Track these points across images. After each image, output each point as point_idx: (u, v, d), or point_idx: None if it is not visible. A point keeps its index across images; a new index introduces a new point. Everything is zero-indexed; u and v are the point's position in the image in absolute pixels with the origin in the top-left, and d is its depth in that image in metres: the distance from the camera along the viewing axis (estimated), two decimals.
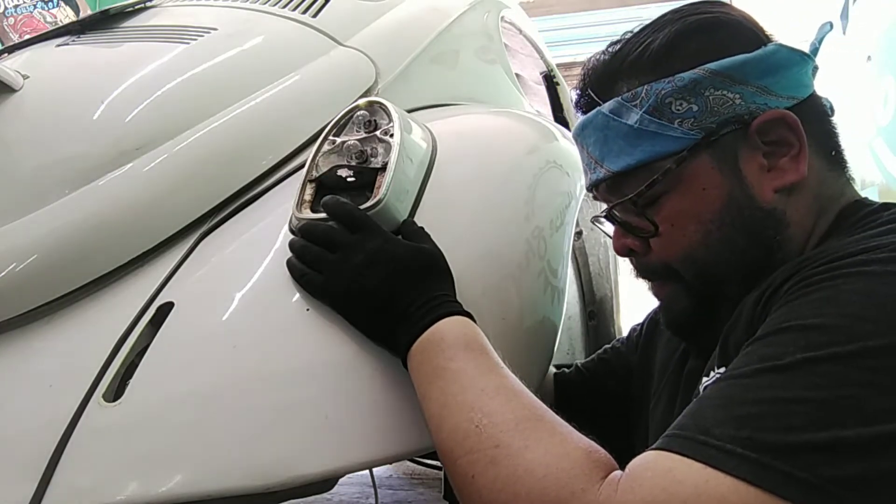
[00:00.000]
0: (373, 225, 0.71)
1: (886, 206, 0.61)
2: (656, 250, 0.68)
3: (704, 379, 0.62)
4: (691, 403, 0.50)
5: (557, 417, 0.54)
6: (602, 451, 0.50)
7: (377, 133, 0.82)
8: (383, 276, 0.67)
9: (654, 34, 0.65)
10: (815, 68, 0.67)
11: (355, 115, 0.86)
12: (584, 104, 0.70)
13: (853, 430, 0.41)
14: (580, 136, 0.71)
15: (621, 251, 0.72)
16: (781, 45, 0.63)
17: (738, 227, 0.63)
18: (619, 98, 0.65)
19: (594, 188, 0.71)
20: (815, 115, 0.65)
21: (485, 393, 0.57)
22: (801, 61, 0.64)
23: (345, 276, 0.69)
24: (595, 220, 0.78)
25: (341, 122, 0.87)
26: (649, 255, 0.69)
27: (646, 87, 0.64)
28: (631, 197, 0.65)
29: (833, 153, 0.66)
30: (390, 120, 0.83)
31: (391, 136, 0.81)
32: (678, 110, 0.62)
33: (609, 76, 0.67)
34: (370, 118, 0.85)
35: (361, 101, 0.87)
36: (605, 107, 0.66)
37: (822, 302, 0.48)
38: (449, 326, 0.64)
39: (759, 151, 0.63)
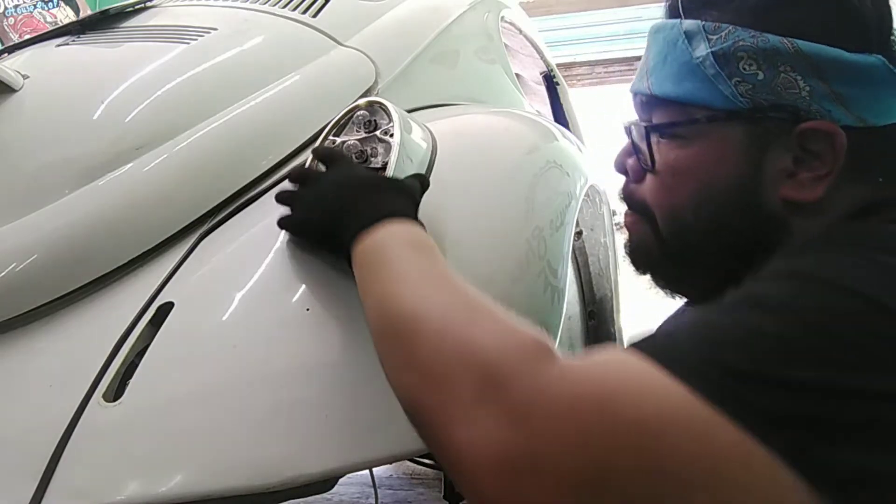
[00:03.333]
0: (344, 158, 0.76)
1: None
2: (647, 187, 0.64)
3: None
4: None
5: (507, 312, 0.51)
6: (550, 341, 0.47)
7: (377, 133, 0.82)
8: (341, 193, 0.70)
9: None
10: None
11: (355, 115, 0.87)
12: (670, 6, 0.64)
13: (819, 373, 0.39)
14: (650, 35, 0.65)
15: (618, 166, 0.69)
16: (884, 63, 0.55)
17: (730, 215, 0.59)
18: (702, 22, 0.59)
19: (635, 96, 0.67)
20: (881, 145, 0.57)
21: (429, 283, 0.56)
22: (892, 86, 0.56)
23: (307, 202, 0.74)
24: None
25: (341, 122, 0.87)
26: (638, 186, 0.66)
27: (730, 27, 0.57)
28: (646, 126, 0.62)
29: (881, 180, 0.59)
30: (390, 120, 0.83)
31: (391, 135, 0.81)
32: (745, 69, 0.56)
33: (715, 1, 0.60)
34: (370, 118, 0.85)
35: (361, 101, 0.88)
36: (686, 24, 0.60)
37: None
38: (396, 226, 0.64)
39: (791, 155, 0.57)
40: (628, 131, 0.67)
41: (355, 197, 0.69)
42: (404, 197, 0.70)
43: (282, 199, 0.78)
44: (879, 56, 0.55)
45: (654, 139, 0.62)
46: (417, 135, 0.88)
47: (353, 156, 0.81)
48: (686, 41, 0.59)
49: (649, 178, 0.64)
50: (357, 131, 0.85)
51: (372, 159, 0.81)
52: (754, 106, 0.56)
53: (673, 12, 0.63)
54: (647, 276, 0.70)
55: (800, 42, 0.55)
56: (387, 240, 0.63)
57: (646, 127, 0.62)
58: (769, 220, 0.58)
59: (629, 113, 0.68)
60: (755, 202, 0.58)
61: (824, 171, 0.56)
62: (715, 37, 0.58)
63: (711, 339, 0.42)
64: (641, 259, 0.69)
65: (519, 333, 0.47)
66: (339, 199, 0.69)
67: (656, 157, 0.62)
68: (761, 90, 0.56)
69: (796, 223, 0.57)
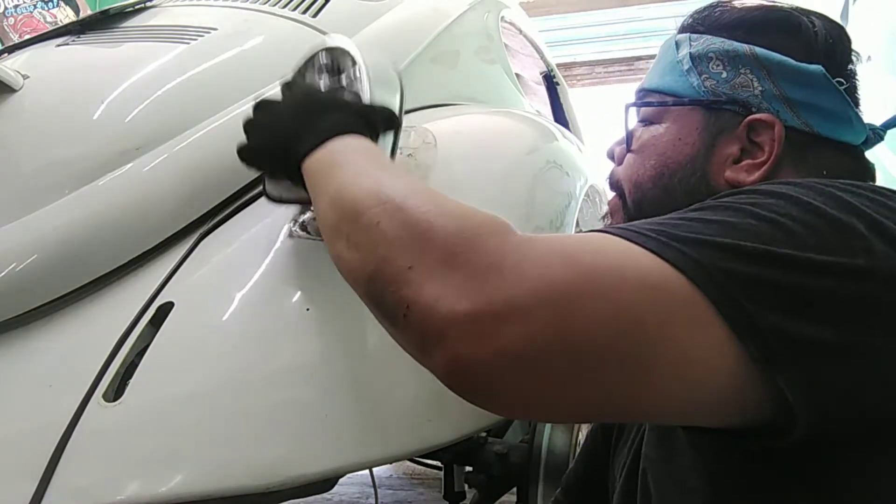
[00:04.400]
0: (301, 82, 0.76)
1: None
2: (623, 166, 0.72)
3: None
4: None
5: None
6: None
7: (342, 77, 0.78)
8: (297, 114, 0.69)
9: (747, 6, 0.70)
10: (879, 136, 0.69)
11: (316, 61, 0.81)
12: (679, 27, 0.75)
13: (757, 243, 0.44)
14: (662, 47, 0.76)
15: (608, 153, 0.77)
16: (825, 74, 0.64)
17: (682, 185, 0.67)
18: (690, 34, 0.70)
19: (636, 94, 0.76)
20: (823, 152, 0.64)
21: (387, 173, 0.58)
22: (839, 101, 0.64)
23: (262, 128, 0.72)
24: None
25: (302, 70, 0.81)
26: (618, 168, 0.74)
27: (708, 36, 0.68)
28: (627, 105, 0.72)
29: (825, 173, 0.66)
30: (355, 62, 0.77)
31: (359, 80, 0.76)
32: (713, 69, 0.67)
33: (701, 22, 0.71)
34: (332, 64, 0.80)
35: (321, 48, 0.81)
36: (679, 36, 0.71)
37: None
38: (350, 139, 0.65)
39: (739, 144, 0.65)
40: (625, 124, 0.75)
41: (311, 117, 0.68)
42: (365, 120, 0.70)
43: (243, 128, 0.76)
44: (820, 66, 0.64)
45: (634, 122, 0.72)
46: (384, 77, 0.81)
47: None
48: (675, 47, 0.70)
49: (627, 157, 0.72)
50: (320, 78, 0.80)
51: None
52: (714, 98, 0.66)
53: (680, 30, 0.74)
54: None
55: (756, 48, 0.65)
56: (339, 148, 0.64)
57: (626, 105, 0.72)
58: (712, 194, 0.64)
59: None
60: (703, 178, 0.66)
61: (763, 158, 0.64)
62: (696, 42, 0.69)
63: (663, 223, 0.47)
64: None
65: (482, 212, 0.49)
66: (295, 121, 0.69)
67: (631, 136, 0.71)
68: (722, 86, 0.66)
69: None
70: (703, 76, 0.67)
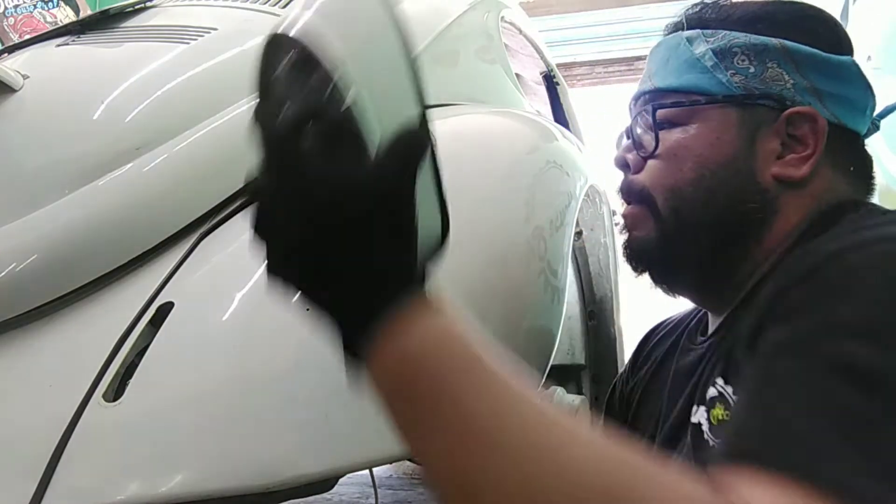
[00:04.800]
0: (293, 154, 0.40)
1: (869, 210, 0.60)
2: (647, 173, 0.69)
3: (712, 390, 0.61)
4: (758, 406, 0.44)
5: (648, 457, 0.38)
6: (702, 478, 0.38)
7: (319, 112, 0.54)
8: (310, 235, 0.40)
9: (758, 1, 0.70)
10: (875, 126, 0.70)
11: (274, 86, 0.48)
12: (671, 27, 0.73)
13: None
14: (651, 52, 0.74)
15: (619, 162, 0.74)
16: (855, 64, 0.65)
17: (727, 186, 0.65)
18: (702, 31, 0.68)
19: (636, 99, 0.74)
20: (848, 143, 0.66)
21: (542, 432, 0.37)
22: (864, 91, 0.66)
23: (275, 249, 0.44)
24: (619, 137, 0.79)
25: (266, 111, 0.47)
26: (636, 176, 0.71)
27: (727, 31, 0.67)
28: (653, 105, 0.68)
29: (852, 169, 0.67)
30: (324, 67, 0.44)
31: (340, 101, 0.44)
32: (738, 64, 0.66)
33: (707, 18, 0.70)
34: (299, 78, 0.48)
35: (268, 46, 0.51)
36: (687, 33, 0.69)
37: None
38: (428, 324, 0.39)
39: (779, 139, 0.65)
40: (629, 131, 0.72)
41: (337, 248, 0.39)
42: (405, 235, 0.41)
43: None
44: (850, 57, 0.65)
45: (655, 123, 0.68)
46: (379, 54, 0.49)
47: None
48: (687, 43, 0.68)
49: (650, 164, 0.69)
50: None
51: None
52: (747, 93, 0.65)
53: (673, 29, 0.72)
54: (646, 273, 0.73)
55: (786, 42, 0.64)
56: (428, 356, 0.39)
57: (653, 107, 0.68)
58: (760, 192, 0.65)
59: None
60: (748, 176, 0.65)
61: (808, 151, 0.64)
62: (713, 38, 0.67)
63: (838, 426, 0.39)
64: (640, 251, 0.71)
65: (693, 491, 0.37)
66: (313, 249, 0.40)
67: (658, 138, 0.68)
68: (752, 81, 0.65)
69: (784, 199, 0.64)
70: (730, 72, 0.66)
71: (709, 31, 0.67)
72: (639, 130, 0.71)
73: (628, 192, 0.72)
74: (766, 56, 0.65)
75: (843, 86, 0.65)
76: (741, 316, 0.61)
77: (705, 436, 0.61)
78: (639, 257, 0.72)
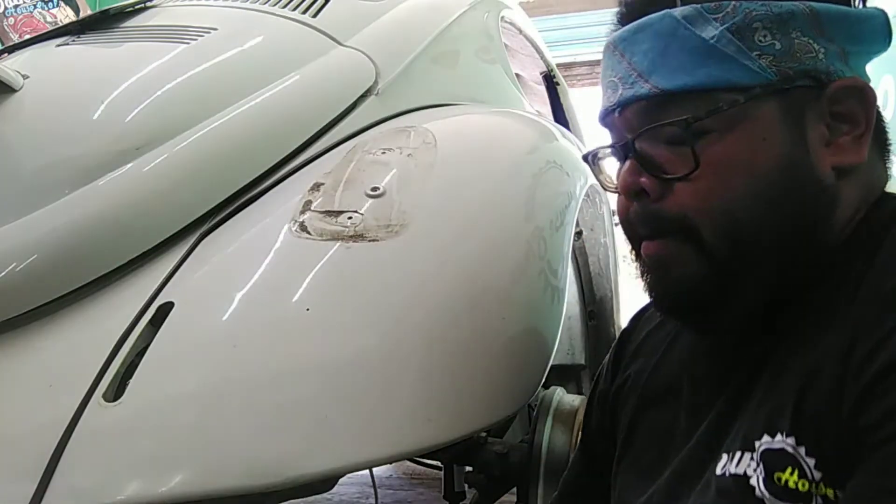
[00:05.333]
0: None
1: None
2: (680, 197, 0.55)
3: (766, 439, 0.51)
4: None
5: None
6: None
7: None
8: None
9: None
10: None
11: None
12: (636, 9, 0.58)
13: None
14: (622, 43, 0.58)
15: (629, 189, 0.58)
16: (884, 14, 0.54)
17: (791, 193, 0.53)
18: (700, 5, 0.54)
19: (621, 107, 0.58)
20: (875, 100, 0.56)
21: None
22: (885, 45, 0.56)
23: None
24: (593, 153, 0.65)
25: None
26: (664, 202, 0.56)
27: (734, 1, 0.54)
28: (687, 119, 0.53)
29: (886, 142, 0.59)
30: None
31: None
32: (761, 41, 0.53)
33: None
34: None
35: None
36: (679, 10, 0.55)
37: None
38: None
39: (824, 121, 0.54)
40: (629, 148, 0.58)
41: None
42: None
43: None
44: (880, 9, 0.55)
45: (689, 138, 0.54)
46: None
47: None
48: (688, 25, 0.54)
49: (680, 186, 0.55)
50: None
51: None
52: (781, 76, 0.53)
53: (641, 9, 0.58)
54: (687, 318, 0.61)
55: (813, 4, 0.53)
56: None
57: (681, 123, 0.54)
58: (823, 189, 0.54)
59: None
60: (811, 175, 0.54)
61: (861, 130, 0.54)
62: (720, 14, 0.54)
63: None
64: (685, 294, 0.57)
65: None
66: None
67: (698, 156, 0.54)
68: (783, 59, 0.53)
69: (841, 190, 0.55)
70: (755, 53, 0.53)
71: (711, 6, 0.54)
72: (650, 148, 0.57)
73: (655, 223, 0.57)
74: (790, 26, 0.53)
75: (870, 43, 0.55)
76: (800, 350, 0.52)
77: (757, 492, 0.50)
78: (684, 302, 0.58)
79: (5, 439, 0.70)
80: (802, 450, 0.48)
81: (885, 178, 0.59)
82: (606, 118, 0.60)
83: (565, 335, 1.51)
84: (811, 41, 0.53)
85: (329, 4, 1.20)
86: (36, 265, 0.80)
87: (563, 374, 1.54)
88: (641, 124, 0.57)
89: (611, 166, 0.64)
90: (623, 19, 0.60)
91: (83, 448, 0.66)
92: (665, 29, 0.55)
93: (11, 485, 0.65)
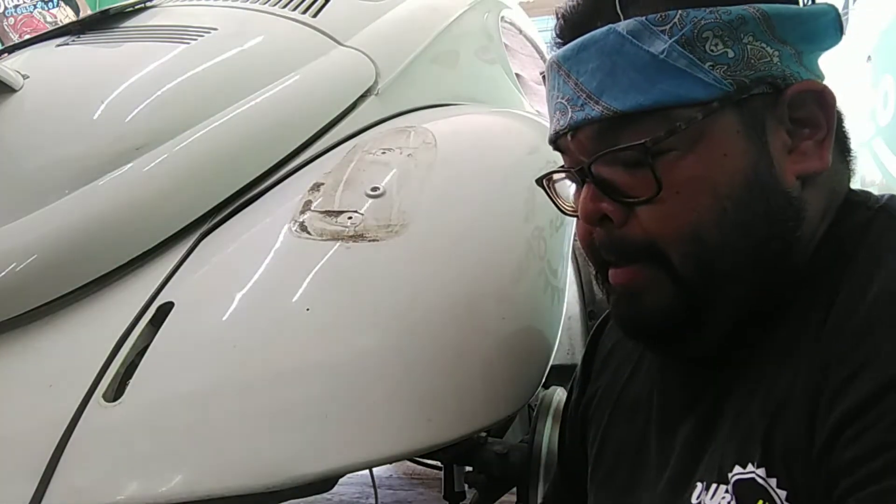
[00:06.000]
0: None
1: (883, 207, 0.53)
2: (645, 222, 0.53)
3: (738, 470, 0.49)
4: None
5: None
6: None
7: None
8: None
9: None
10: None
11: None
12: (577, 22, 0.55)
13: None
14: (567, 62, 0.55)
15: (592, 217, 0.55)
16: (834, 7, 0.52)
17: (759, 210, 0.51)
18: (644, 18, 0.51)
19: (572, 132, 0.55)
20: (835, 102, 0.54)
21: None
22: (836, 35, 0.54)
23: None
24: (547, 177, 0.63)
25: None
26: (628, 228, 0.54)
27: (681, 11, 0.51)
28: (645, 143, 0.50)
29: (847, 143, 0.57)
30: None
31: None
32: (712, 51, 0.51)
33: None
34: None
35: None
36: (623, 25, 0.52)
37: None
38: None
39: (784, 127, 0.52)
40: (586, 173, 0.55)
41: None
42: None
43: None
44: (830, 4, 0.53)
45: (650, 160, 0.51)
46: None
47: None
48: (634, 41, 0.51)
49: (644, 211, 0.53)
50: None
51: None
52: (738, 86, 0.51)
53: (581, 27, 0.55)
54: (667, 345, 0.58)
55: (761, 5, 0.51)
56: None
57: (640, 147, 0.51)
58: (791, 203, 0.52)
59: (571, 156, 0.56)
60: (777, 189, 0.52)
61: (822, 134, 0.52)
62: (667, 26, 0.51)
63: None
64: (657, 321, 0.55)
65: None
66: None
67: (659, 178, 0.51)
68: (737, 68, 0.51)
69: (806, 199, 0.53)
70: (708, 64, 0.51)
71: (656, 18, 0.51)
72: (608, 172, 0.54)
73: (620, 250, 0.55)
74: (742, 32, 0.51)
75: (821, 39, 0.53)
76: (769, 375, 0.50)
77: None
78: (656, 330, 0.56)
79: (5, 439, 0.69)
80: (774, 481, 0.47)
81: (848, 178, 0.57)
82: (558, 141, 0.58)
83: (565, 335, 1.51)
84: (765, 45, 0.51)
85: (329, 4, 1.20)
86: (36, 265, 0.80)
87: (563, 374, 1.54)
88: (596, 148, 0.54)
89: (565, 189, 0.63)
90: (563, 33, 0.57)
91: (83, 448, 0.66)
92: (610, 46, 0.52)
93: (11, 485, 0.65)
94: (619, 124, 0.52)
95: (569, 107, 0.55)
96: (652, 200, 0.52)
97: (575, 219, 0.60)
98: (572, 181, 0.60)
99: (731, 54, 0.51)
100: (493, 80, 1.46)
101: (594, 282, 1.56)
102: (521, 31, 1.80)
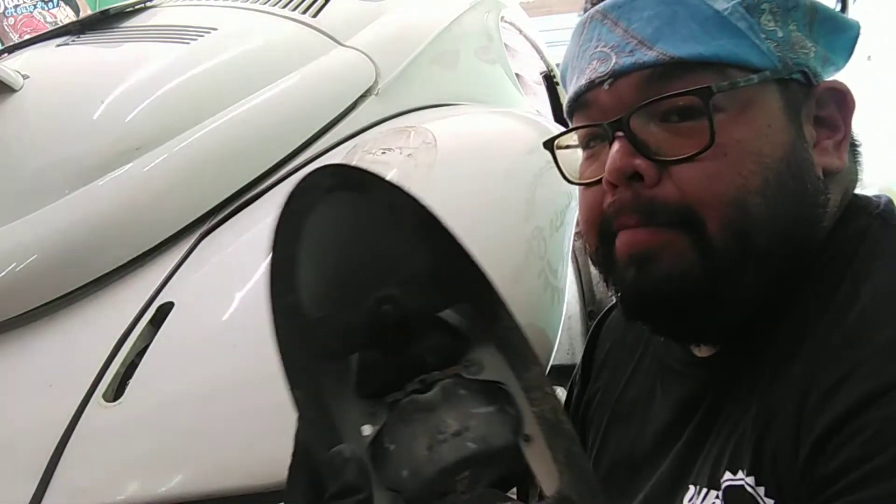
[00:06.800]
0: None
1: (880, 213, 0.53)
2: (683, 182, 0.49)
3: (728, 476, 0.49)
4: None
5: None
6: None
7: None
8: None
9: None
10: None
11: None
12: None
13: None
14: (616, 10, 0.52)
15: (622, 173, 0.50)
16: (859, 25, 0.53)
17: (796, 189, 0.50)
18: None
19: (612, 79, 0.51)
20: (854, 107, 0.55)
21: None
22: (847, 56, 0.55)
23: None
24: (558, 137, 0.59)
25: None
26: (660, 189, 0.50)
27: None
28: (710, 87, 0.48)
29: (857, 147, 0.57)
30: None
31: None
32: (766, 24, 0.50)
33: None
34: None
35: None
36: None
37: None
38: None
39: (810, 122, 0.52)
40: (622, 125, 0.51)
41: None
42: None
43: None
44: (856, 20, 0.54)
45: (705, 111, 0.49)
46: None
47: None
48: None
49: (683, 170, 0.49)
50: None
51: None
52: (783, 65, 0.50)
53: None
54: (659, 321, 0.55)
55: None
56: None
57: (708, 89, 0.48)
58: (821, 192, 0.51)
59: (599, 110, 0.52)
60: (812, 174, 0.51)
61: (840, 135, 0.52)
62: None
63: None
64: (669, 294, 0.51)
65: None
66: None
67: (714, 131, 0.48)
68: (784, 48, 0.50)
69: (829, 192, 0.52)
70: (763, 35, 0.50)
71: None
72: (642, 127, 0.51)
73: (648, 213, 0.50)
74: (791, 17, 0.50)
75: (839, 53, 0.54)
76: (764, 378, 0.49)
77: None
78: (667, 303, 0.51)
79: (5, 439, 0.70)
80: (762, 490, 0.46)
81: (856, 181, 0.57)
82: (586, 94, 0.54)
83: (565, 335, 1.51)
84: (805, 39, 0.51)
85: (329, 4, 1.20)
86: (36, 265, 0.80)
87: (563, 374, 1.54)
88: (639, 98, 0.51)
89: (566, 158, 0.59)
90: None
91: (83, 448, 0.66)
92: None
93: (11, 485, 0.65)
94: (672, 73, 0.50)
95: (612, 54, 0.52)
96: (694, 158, 0.49)
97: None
98: (584, 145, 0.57)
99: (780, 34, 0.50)
100: (493, 80, 1.46)
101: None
102: (521, 31, 1.80)
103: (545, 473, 0.35)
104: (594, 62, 0.53)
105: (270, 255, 0.35)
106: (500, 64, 1.50)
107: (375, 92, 1.10)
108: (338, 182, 0.37)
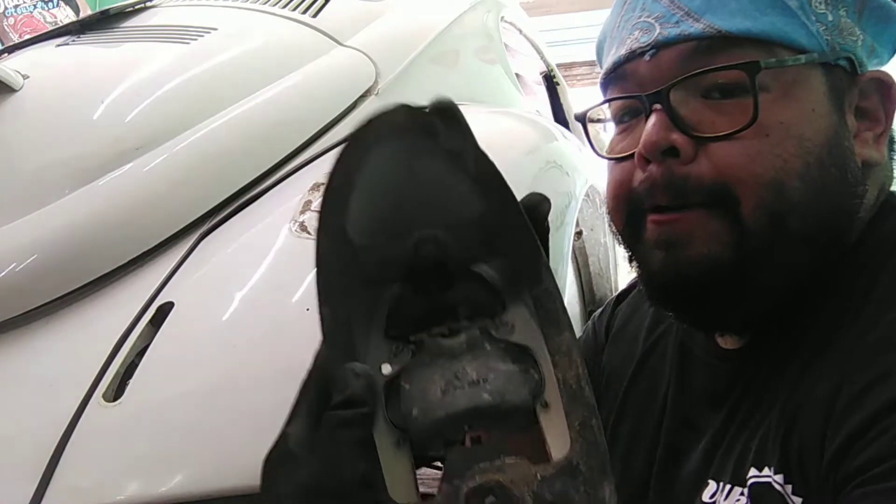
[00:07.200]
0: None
1: None
2: (720, 161, 0.48)
3: (754, 472, 0.48)
4: None
5: None
6: None
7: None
8: None
9: None
10: None
11: None
12: None
13: None
14: None
15: (657, 148, 0.48)
16: None
17: (836, 175, 0.48)
18: None
19: (654, 50, 0.50)
20: None
21: None
22: (892, 53, 0.54)
23: None
24: (593, 109, 0.58)
25: None
26: (695, 165, 0.48)
27: None
28: (758, 61, 0.47)
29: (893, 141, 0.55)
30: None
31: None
32: (817, 7, 0.49)
33: None
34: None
35: None
36: None
37: None
38: None
39: (852, 111, 0.50)
40: (660, 97, 0.49)
41: None
42: None
43: None
44: None
45: (751, 86, 0.47)
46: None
47: None
48: None
49: (721, 147, 0.48)
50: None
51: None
52: (831, 49, 0.48)
53: None
54: (701, 309, 0.52)
55: None
56: None
57: (756, 63, 0.46)
58: (860, 183, 0.49)
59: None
60: (853, 164, 0.49)
61: (881, 128, 0.51)
62: None
63: None
64: (698, 278, 0.49)
65: None
66: None
67: (759, 107, 0.47)
68: (832, 32, 0.49)
69: (867, 184, 0.51)
70: (812, 17, 0.48)
71: None
72: (682, 102, 0.49)
73: (681, 191, 0.49)
74: (842, 2, 0.49)
75: (885, 47, 0.52)
76: (793, 375, 0.48)
77: None
78: (695, 288, 0.49)
79: (5, 439, 0.70)
80: (790, 488, 0.45)
81: (892, 177, 0.56)
82: (625, 65, 0.52)
83: None
84: (852, 24, 0.50)
85: (329, 4, 1.20)
86: (36, 265, 0.80)
87: None
88: (682, 70, 0.49)
89: (597, 132, 0.59)
90: None
91: (83, 448, 0.66)
92: None
93: (11, 485, 0.65)
94: (717, 47, 0.48)
95: (657, 24, 0.50)
96: (734, 136, 0.47)
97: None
98: (616, 119, 0.55)
99: (829, 17, 0.49)
100: (493, 80, 1.46)
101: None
102: (521, 31, 1.80)
103: (556, 438, 0.34)
104: (636, 32, 0.51)
105: (329, 176, 0.35)
106: (500, 64, 1.50)
107: (375, 92, 1.10)
108: (410, 121, 0.38)
